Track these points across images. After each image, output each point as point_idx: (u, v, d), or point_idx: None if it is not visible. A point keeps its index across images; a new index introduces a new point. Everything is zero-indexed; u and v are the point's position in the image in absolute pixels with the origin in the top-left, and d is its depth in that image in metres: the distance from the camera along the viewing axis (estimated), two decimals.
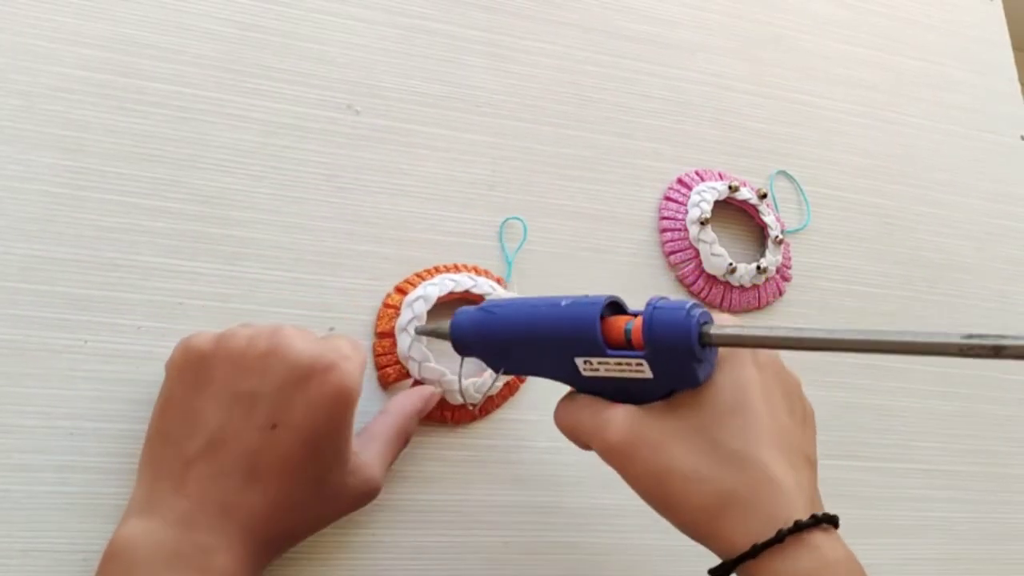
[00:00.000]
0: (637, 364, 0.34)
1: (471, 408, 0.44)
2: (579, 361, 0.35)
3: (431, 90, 0.50)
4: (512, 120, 0.52)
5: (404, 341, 0.43)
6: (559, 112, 0.53)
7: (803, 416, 0.36)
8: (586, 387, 0.36)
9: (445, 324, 0.39)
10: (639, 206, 0.53)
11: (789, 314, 0.54)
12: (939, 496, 0.53)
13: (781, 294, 0.54)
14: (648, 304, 0.33)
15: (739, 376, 0.34)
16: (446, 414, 0.44)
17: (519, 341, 0.36)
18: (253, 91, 0.46)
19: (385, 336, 0.44)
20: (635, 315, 0.35)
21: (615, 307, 0.36)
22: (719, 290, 0.52)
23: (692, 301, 0.33)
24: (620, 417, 0.34)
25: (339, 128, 0.48)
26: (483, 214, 0.49)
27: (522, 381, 0.46)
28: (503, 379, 0.44)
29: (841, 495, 0.51)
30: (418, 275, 0.46)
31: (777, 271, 0.54)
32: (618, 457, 0.34)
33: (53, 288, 0.40)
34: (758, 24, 0.62)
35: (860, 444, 0.53)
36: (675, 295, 0.52)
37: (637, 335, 0.33)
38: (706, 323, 0.33)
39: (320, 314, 0.44)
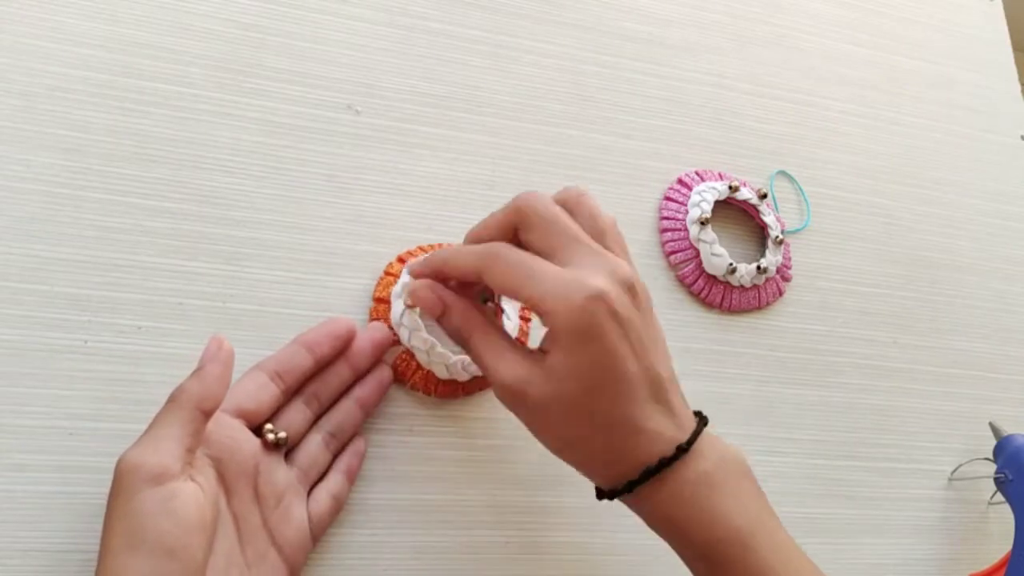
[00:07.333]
0: None
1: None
2: None
3: (431, 90, 0.50)
4: (512, 120, 0.52)
5: (397, 307, 0.43)
6: (559, 112, 0.53)
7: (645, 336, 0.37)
8: None
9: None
10: (639, 206, 0.53)
11: (789, 314, 0.54)
12: (939, 496, 0.54)
13: (781, 294, 0.54)
14: None
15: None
16: (430, 387, 0.44)
17: None
18: (253, 91, 0.47)
19: (381, 302, 0.44)
20: None
21: None
22: (719, 290, 0.52)
23: None
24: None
25: (339, 128, 0.48)
26: (483, 214, 0.48)
27: None
28: None
29: (841, 495, 0.51)
30: (421, 248, 0.46)
31: (777, 271, 0.54)
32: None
33: (53, 288, 0.40)
34: (758, 24, 0.62)
35: (860, 444, 0.53)
36: (675, 295, 0.52)
37: None
38: None
39: (320, 314, 0.44)
